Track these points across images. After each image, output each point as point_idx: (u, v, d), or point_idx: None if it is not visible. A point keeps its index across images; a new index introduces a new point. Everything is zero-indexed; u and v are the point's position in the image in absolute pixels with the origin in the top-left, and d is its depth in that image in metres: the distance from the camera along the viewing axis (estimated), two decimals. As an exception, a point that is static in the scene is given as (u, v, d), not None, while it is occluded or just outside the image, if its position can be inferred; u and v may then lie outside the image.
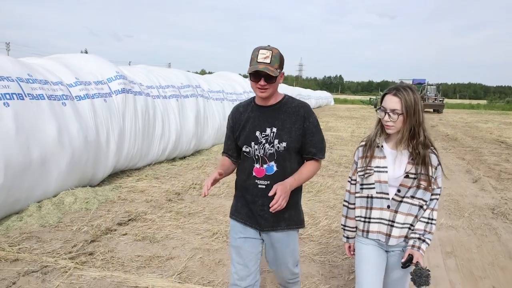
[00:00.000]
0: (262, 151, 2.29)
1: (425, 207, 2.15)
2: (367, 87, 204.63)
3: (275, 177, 2.28)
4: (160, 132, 8.33)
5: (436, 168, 2.12)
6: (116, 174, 7.34)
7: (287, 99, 2.38)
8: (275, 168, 2.29)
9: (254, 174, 2.32)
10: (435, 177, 2.13)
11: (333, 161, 9.57)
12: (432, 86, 39.29)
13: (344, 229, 2.43)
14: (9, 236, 4.38)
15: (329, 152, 10.70)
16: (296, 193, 2.37)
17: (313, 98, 40.65)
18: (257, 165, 2.31)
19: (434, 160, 2.12)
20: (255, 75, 2.21)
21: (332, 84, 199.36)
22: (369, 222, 2.24)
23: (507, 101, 66.19)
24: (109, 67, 7.34)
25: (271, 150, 2.27)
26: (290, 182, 2.20)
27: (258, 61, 2.18)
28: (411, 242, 2.11)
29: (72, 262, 3.79)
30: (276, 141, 2.26)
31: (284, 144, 2.26)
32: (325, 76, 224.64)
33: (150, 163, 8.32)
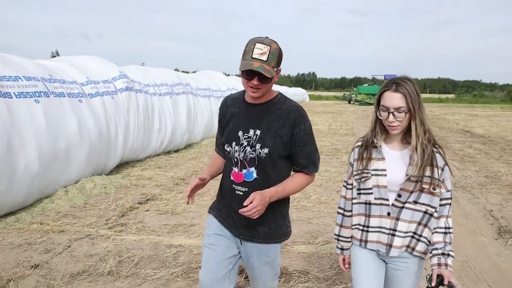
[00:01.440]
0: (242, 154, 2.02)
1: (436, 214, 1.91)
2: (340, 84, 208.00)
3: (254, 185, 2.01)
4: (158, 126, 9.06)
5: (442, 169, 1.89)
6: (121, 165, 8.05)
7: (279, 98, 2.08)
8: (254, 175, 2.02)
9: (232, 178, 2.08)
10: (442, 179, 1.89)
11: (315, 151, 10.52)
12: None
13: (338, 240, 2.17)
14: (47, 215, 5.08)
15: (310, 143, 11.66)
16: (283, 205, 2.14)
17: (289, 95, 41.68)
18: (235, 169, 2.06)
19: (439, 160, 1.89)
20: (248, 73, 1.91)
21: (305, 81, 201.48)
22: (367, 231, 2.02)
23: (473, 95, 69.12)
24: (113, 67, 8.04)
25: (252, 154, 2.00)
26: (270, 193, 1.95)
27: (253, 56, 1.88)
28: (435, 260, 1.86)
29: (111, 231, 4.55)
30: (258, 146, 1.99)
31: (266, 150, 1.98)
32: (298, 73, 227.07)
33: (150, 155, 9.04)
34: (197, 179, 2.07)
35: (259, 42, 1.90)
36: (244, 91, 2.13)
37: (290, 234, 2.20)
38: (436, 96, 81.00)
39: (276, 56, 1.92)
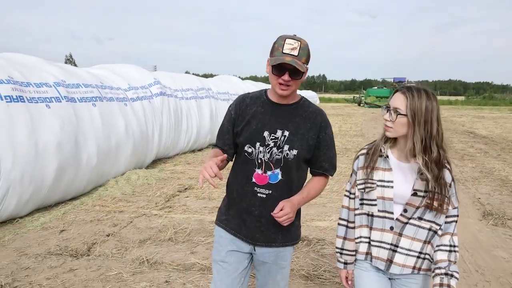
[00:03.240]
0: (268, 156, 1.98)
1: (440, 232, 1.82)
2: (350, 86, 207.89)
3: (278, 187, 2.00)
4: (186, 127, 10.09)
5: (450, 186, 1.81)
6: (155, 161, 9.09)
7: (304, 101, 2.09)
8: (279, 177, 1.99)
9: (253, 180, 2.01)
10: (449, 196, 1.80)
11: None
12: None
13: (341, 253, 2.05)
14: (105, 200, 6.12)
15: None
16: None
17: (300, 97, 42.57)
18: (258, 171, 2.00)
19: (447, 176, 1.80)
20: (279, 68, 1.89)
21: (315, 84, 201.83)
22: (369, 243, 1.95)
23: (483, 97, 69.41)
24: (148, 74, 9.10)
25: (279, 156, 1.98)
26: (298, 200, 1.96)
27: (284, 51, 1.87)
28: (437, 280, 1.78)
29: (162, 211, 5.56)
30: (286, 147, 1.97)
31: (294, 152, 1.97)
32: (308, 75, 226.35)
33: (178, 153, 10.07)
34: (215, 158, 1.87)
35: (289, 38, 1.89)
36: (264, 91, 2.12)
37: (301, 236, 2.22)
38: (445, 98, 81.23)
39: (306, 52, 1.91)
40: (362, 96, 48.78)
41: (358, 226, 1.98)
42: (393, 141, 1.90)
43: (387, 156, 1.88)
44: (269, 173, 1.99)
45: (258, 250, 2.09)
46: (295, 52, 1.87)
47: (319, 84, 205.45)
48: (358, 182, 1.96)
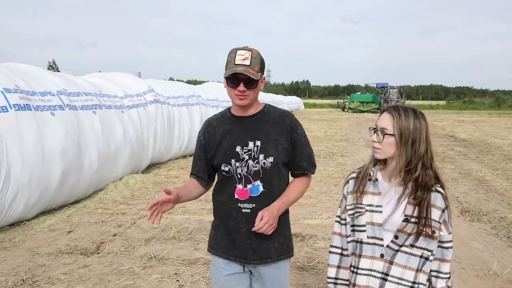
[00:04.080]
0: (245, 169, 1.98)
1: (431, 257, 1.76)
2: (333, 91, 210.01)
3: (261, 199, 1.98)
4: (178, 133, 10.41)
5: (443, 211, 1.74)
6: (149, 166, 9.38)
7: (269, 108, 2.10)
8: (261, 188, 1.98)
9: (236, 196, 2.00)
10: (443, 221, 1.74)
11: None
12: (394, 89, 42.72)
13: (335, 284, 1.93)
14: (106, 203, 6.41)
15: (309, 148, 13.09)
16: (283, 216, 2.07)
17: (285, 103, 43.16)
18: (239, 186, 1.99)
19: (439, 201, 1.73)
20: (233, 80, 1.91)
21: (299, 89, 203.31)
22: (356, 273, 1.83)
23: (463, 101, 71.09)
24: (142, 83, 9.43)
25: (256, 167, 1.97)
26: (277, 206, 1.95)
27: (236, 63, 1.89)
28: None
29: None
30: (261, 156, 1.97)
31: (270, 159, 1.97)
32: (292, 81, 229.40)
33: (171, 158, 10.39)
34: (163, 194, 1.85)
35: (240, 49, 1.92)
36: (228, 109, 2.12)
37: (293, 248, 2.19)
38: (427, 103, 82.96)
39: (259, 61, 1.94)
40: (346, 102, 49.61)
41: (351, 253, 1.87)
42: (383, 163, 1.82)
43: (377, 180, 1.80)
44: (249, 186, 1.99)
45: (253, 269, 2.08)
46: (247, 62, 1.89)
47: (303, 89, 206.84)
48: (348, 207, 1.87)
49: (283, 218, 2.06)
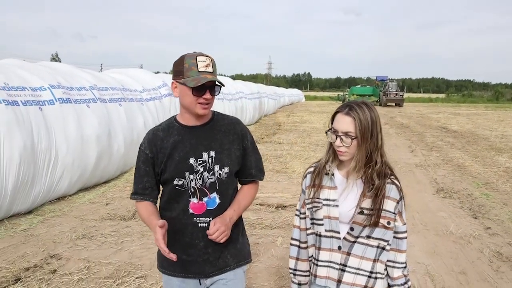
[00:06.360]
0: (200, 182, 1.87)
1: (388, 247, 1.79)
2: (335, 84, 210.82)
3: (218, 212, 1.89)
4: (188, 124, 11.45)
5: (398, 202, 1.76)
6: (164, 153, 10.44)
7: (217, 115, 2.00)
8: (217, 201, 1.90)
9: (191, 211, 1.89)
10: (398, 212, 1.76)
11: (313, 143, 12.94)
12: (393, 82, 43.61)
13: (294, 274, 1.97)
14: (131, 182, 7.39)
15: (308, 138, 14.12)
16: (240, 221, 2.06)
17: (287, 96, 44.15)
18: (194, 200, 1.88)
19: (394, 193, 1.76)
20: (199, 88, 1.78)
21: (301, 82, 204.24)
22: (317, 265, 1.87)
23: (462, 95, 71.95)
24: (157, 77, 10.46)
25: (212, 178, 1.88)
26: (230, 215, 1.88)
27: (200, 70, 1.78)
28: None
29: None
30: (216, 167, 1.88)
31: (226, 169, 1.90)
32: (293, 73, 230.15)
33: (182, 146, 11.43)
34: (159, 229, 1.73)
35: (199, 55, 1.81)
36: (173, 118, 1.98)
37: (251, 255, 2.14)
38: (427, 95, 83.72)
39: (216, 67, 1.86)
40: (346, 94, 50.55)
41: (311, 245, 1.91)
42: (338, 159, 1.82)
43: (333, 174, 1.81)
44: (205, 199, 1.89)
45: (210, 281, 1.99)
46: (210, 69, 1.81)
47: (304, 82, 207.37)
48: (306, 201, 1.88)
49: (237, 225, 2.01)
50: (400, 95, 41.54)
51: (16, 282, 3.71)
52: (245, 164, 2.00)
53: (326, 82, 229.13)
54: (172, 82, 1.88)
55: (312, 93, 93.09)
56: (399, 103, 40.76)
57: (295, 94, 54.67)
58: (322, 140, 13.59)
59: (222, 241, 1.81)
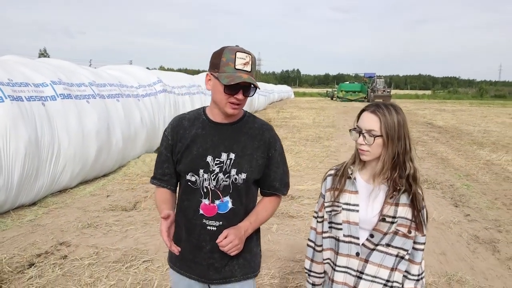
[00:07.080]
0: (214, 183, 1.77)
1: (407, 256, 1.73)
2: (323, 80, 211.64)
3: (230, 217, 1.79)
4: (182, 119, 11.71)
5: (420, 211, 1.69)
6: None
7: (249, 117, 1.89)
8: (230, 205, 1.79)
9: (201, 212, 1.80)
10: (419, 222, 1.69)
11: (302, 138, 13.31)
12: (380, 79, 44.29)
13: (309, 275, 1.96)
14: (129, 176, 7.72)
15: (298, 133, 14.48)
16: (257, 230, 1.93)
17: (276, 92, 44.39)
18: (205, 201, 1.79)
19: (418, 201, 1.69)
20: (231, 86, 1.67)
21: (289, 78, 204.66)
22: (334, 270, 1.82)
23: (448, 91, 73.11)
24: (152, 74, 10.69)
25: (226, 182, 1.77)
26: (245, 227, 1.77)
27: (237, 67, 1.67)
28: None
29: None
30: (233, 171, 1.77)
31: (243, 175, 1.78)
32: (283, 70, 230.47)
33: (176, 141, 11.69)
34: (163, 221, 1.69)
35: (240, 52, 1.69)
36: (203, 109, 1.90)
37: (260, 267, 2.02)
38: (413, 92, 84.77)
39: (255, 67, 1.76)
40: (335, 91, 51.11)
41: (326, 248, 1.87)
42: (363, 162, 1.77)
43: (355, 178, 1.76)
44: (217, 202, 1.79)
45: None
46: (248, 68, 1.70)
47: (293, 78, 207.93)
48: (326, 204, 1.84)
49: (252, 236, 1.89)
50: (388, 92, 42.19)
51: (31, 267, 3.98)
52: (269, 175, 1.88)
53: (315, 79, 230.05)
54: (207, 74, 1.79)
55: (301, 90, 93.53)
56: (385, 100, 41.39)
57: (285, 90, 54.99)
58: (312, 136, 13.97)
59: (232, 254, 1.73)
